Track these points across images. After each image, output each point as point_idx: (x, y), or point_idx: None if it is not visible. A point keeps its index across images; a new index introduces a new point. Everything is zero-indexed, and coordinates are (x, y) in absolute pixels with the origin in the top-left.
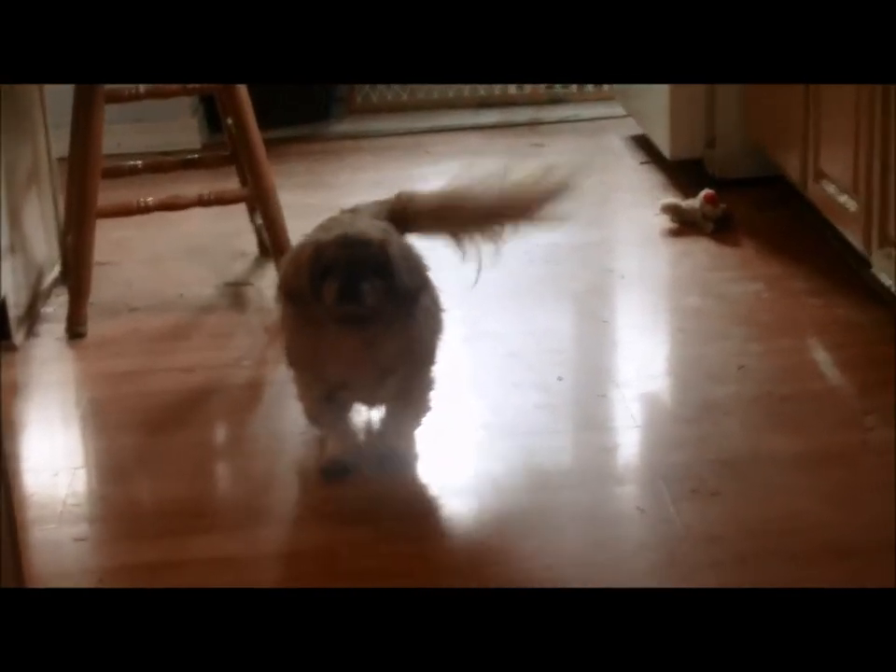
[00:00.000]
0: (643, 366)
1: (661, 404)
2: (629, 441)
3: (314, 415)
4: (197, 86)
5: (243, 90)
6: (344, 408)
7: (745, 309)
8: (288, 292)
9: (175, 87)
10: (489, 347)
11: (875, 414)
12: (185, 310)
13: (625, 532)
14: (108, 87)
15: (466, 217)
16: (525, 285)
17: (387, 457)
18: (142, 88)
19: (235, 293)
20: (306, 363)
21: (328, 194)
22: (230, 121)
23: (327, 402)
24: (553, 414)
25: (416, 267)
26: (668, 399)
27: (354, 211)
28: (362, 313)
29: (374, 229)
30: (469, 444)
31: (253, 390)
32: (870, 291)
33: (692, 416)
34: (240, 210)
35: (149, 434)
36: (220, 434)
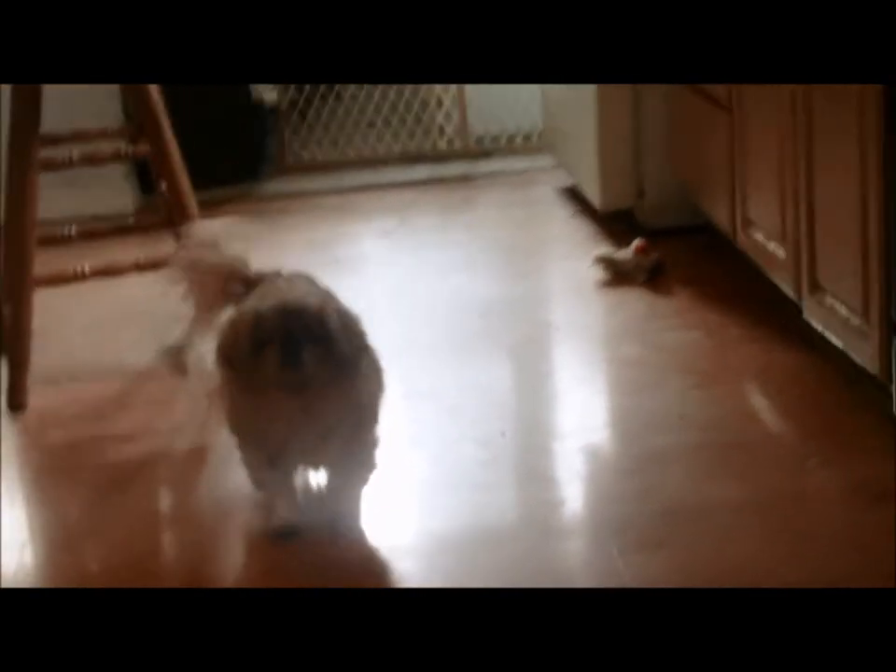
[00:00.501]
0: (584, 418)
1: (604, 456)
2: (573, 494)
3: (258, 479)
4: (131, 151)
5: (176, 153)
6: (289, 471)
7: (682, 357)
8: (228, 359)
9: (108, 152)
10: (429, 404)
11: (816, 457)
12: (125, 377)
13: (573, 586)
14: (43, 154)
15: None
16: (461, 339)
17: (334, 518)
18: (76, 154)
19: (174, 358)
20: (248, 428)
21: (261, 254)
22: (164, 185)
23: (271, 466)
24: (496, 469)
25: (354, 332)
26: (611, 451)
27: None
28: (302, 378)
29: (312, 295)
30: (413, 502)
31: (197, 455)
32: (804, 336)
33: (635, 467)
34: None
35: (95, 503)
36: (166, 500)
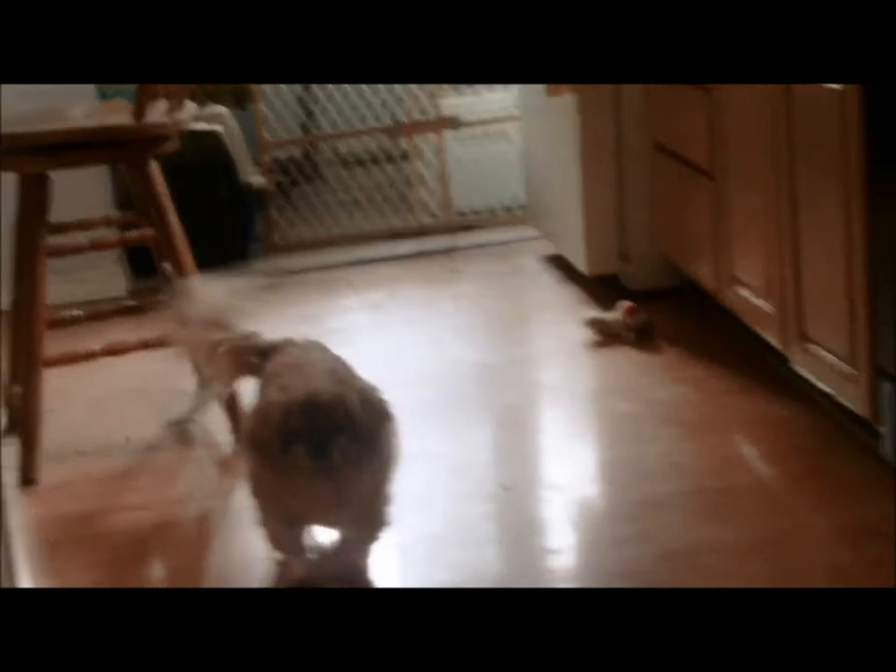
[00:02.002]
0: (581, 469)
1: (602, 504)
2: (576, 541)
3: (276, 541)
4: (136, 236)
5: (181, 233)
6: (304, 531)
7: (672, 411)
8: (256, 446)
9: (114, 239)
10: (432, 463)
11: (807, 501)
12: (132, 451)
13: None
14: (51, 241)
15: None
16: (459, 402)
17: (346, 571)
18: (84, 240)
19: (180, 431)
20: (271, 499)
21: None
22: (166, 265)
23: (288, 526)
24: (500, 523)
25: (376, 410)
26: (609, 499)
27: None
28: (330, 467)
29: (332, 382)
30: (420, 556)
31: (208, 522)
32: (788, 386)
33: (632, 514)
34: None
35: (108, 574)
36: (180, 568)
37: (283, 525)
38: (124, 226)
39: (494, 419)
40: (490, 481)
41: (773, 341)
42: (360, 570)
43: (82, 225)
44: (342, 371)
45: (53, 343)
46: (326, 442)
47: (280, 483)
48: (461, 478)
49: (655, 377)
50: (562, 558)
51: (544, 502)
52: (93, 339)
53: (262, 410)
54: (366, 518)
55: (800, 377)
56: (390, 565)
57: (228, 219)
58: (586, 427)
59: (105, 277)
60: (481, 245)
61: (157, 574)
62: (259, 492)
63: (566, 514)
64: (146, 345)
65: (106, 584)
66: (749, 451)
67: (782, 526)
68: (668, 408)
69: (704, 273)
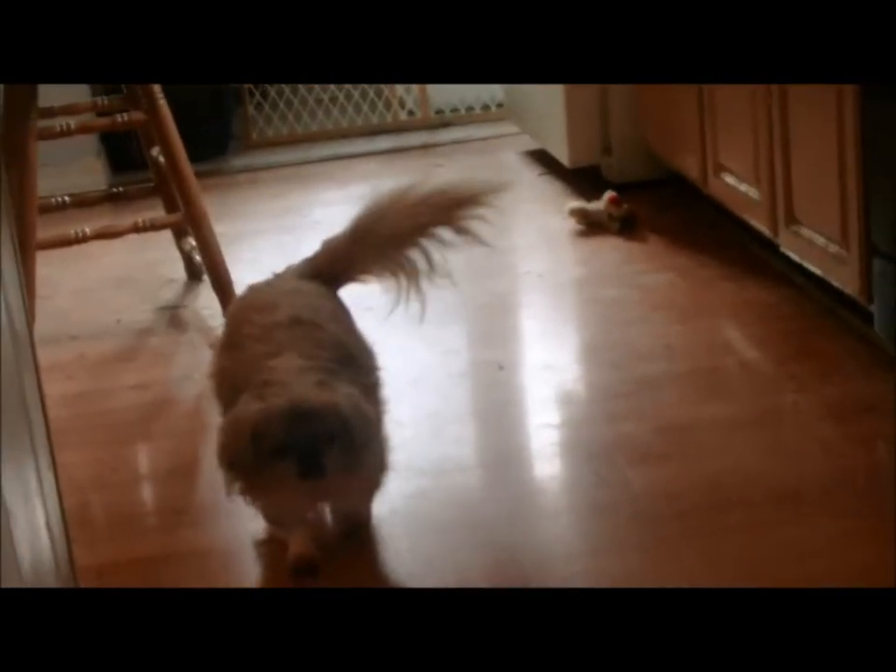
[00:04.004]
0: (573, 352)
1: (599, 383)
2: (575, 416)
3: (272, 520)
4: (126, 120)
5: (170, 118)
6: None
7: (660, 296)
8: (230, 467)
9: (103, 122)
10: (426, 350)
11: (796, 380)
12: (125, 334)
13: (588, 497)
14: (41, 124)
15: (394, 229)
16: (445, 290)
17: (350, 532)
18: (73, 124)
19: (172, 316)
20: (258, 504)
21: (237, 222)
22: (155, 152)
23: (279, 525)
24: (497, 400)
25: (368, 417)
26: (602, 379)
27: (279, 276)
28: (322, 481)
29: (315, 386)
30: (424, 432)
31: (208, 400)
32: (775, 273)
33: (626, 392)
34: (160, 240)
35: (108, 453)
36: (186, 441)
37: (272, 523)
38: (110, 112)
39: (483, 305)
40: (484, 362)
41: (761, 226)
42: (364, 523)
43: (70, 110)
44: (333, 382)
45: (42, 230)
46: (316, 457)
47: (264, 493)
48: (456, 360)
49: (641, 265)
50: (560, 432)
51: (539, 381)
52: (82, 226)
53: (234, 421)
54: (360, 505)
55: (786, 264)
56: (397, 441)
57: (206, 116)
58: (575, 312)
59: (85, 172)
60: (460, 141)
61: (157, 453)
62: (245, 496)
63: (561, 392)
64: (138, 229)
65: (107, 462)
66: (737, 334)
67: (772, 405)
68: (656, 294)
69: (688, 162)
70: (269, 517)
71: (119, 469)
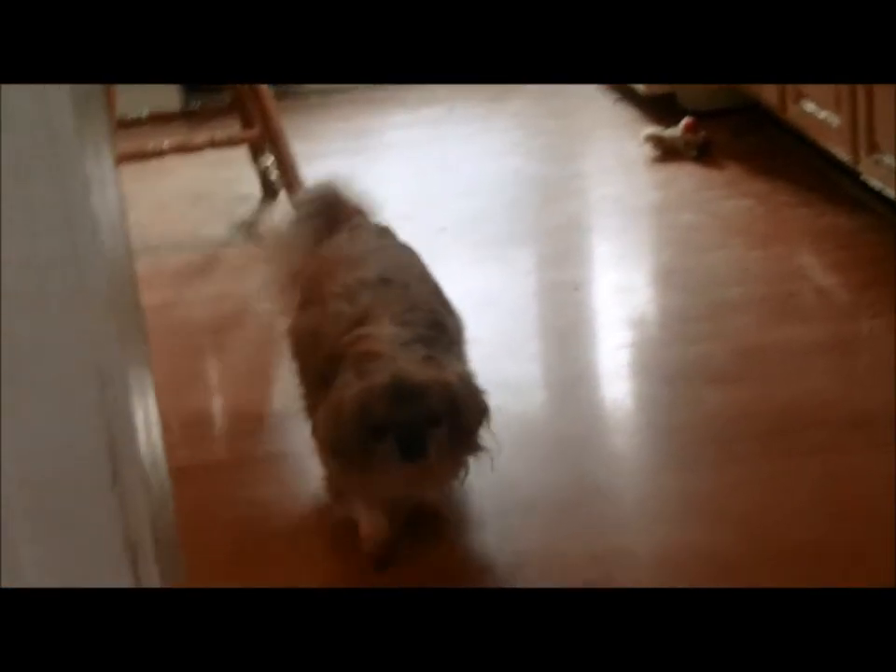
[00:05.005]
0: (649, 275)
1: (675, 306)
2: (647, 337)
3: (336, 498)
4: None
5: None
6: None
7: (738, 222)
8: (332, 451)
9: None
10: (500, 267)
11: (873, 307)
12: (202, 248)
13: (662, 416)
14: None
15: None
16: (520, 211)
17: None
18: None
19: (248, 231)
20: (356, 484)
21: (310, 143)
22: None
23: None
24: (573, 319)
25: (480, 399)
26: (681, 302)
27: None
28: (425, 464)
29: (422, 361)
30: (500, 350)
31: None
32: (854, 200)
33: (703, 314)
34: (236, 158)
35: (192, 355)
36: (260, 351)
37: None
38: None
39: (558, 227)
40: (560, 282)
41: (841, 153)
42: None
43: None
44: (447, 361)
45: (119, 146)
46: (421, 438)
47: (358, 477)
48: (531, 280)
49: (718, 191)
50: (635, 353)
51: (615, 302)
52: (159, 142)
53: (337, 401)
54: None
55: (865, 191)
56: (475, 359)
57: None
58: (651, 237)
59: (161, 90)
60: None
61: (231, 362)
62: (331, 477)
63: (637, 314)
64: (214, 144)
65: (183, 370)
66: (814, 260)
67: (848, 330)
68: (734, 220)
69: (767, 90)
70: (362, 497)
71: (195, 377)
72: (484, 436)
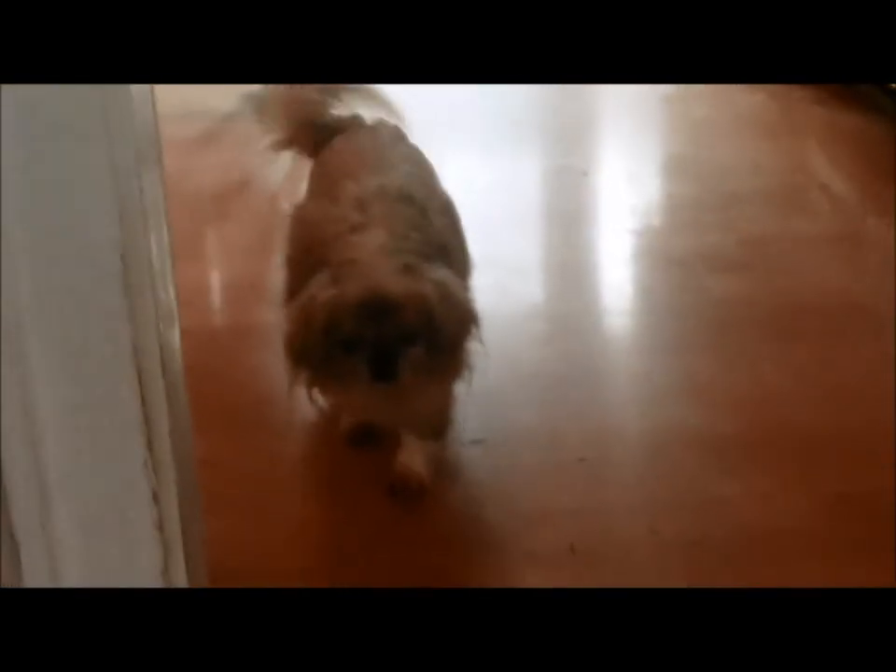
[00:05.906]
0: (659, 164)
1: (684, 195)
2: (656, 225)
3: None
4: None
5: None
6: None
7: (749, 115)
8: (296, 358)
9: None
10: (518, 151)
11: (878, 203)
12: (210, 118)
13: (665, 300)
14: None
15: None
16: (536, 101)
17: (402, 478)
18: None
19: (257, 102)
20: (327, 399)
21: None
22: None
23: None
24: (582, 203)
25: (463, 312)
26: (689, 190)
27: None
28: (397, 385)
29: (400, 271)
30: (505, 230)
31: (292, 182)
32: (867, 100)
33: (713, 203)
34: None
35: (196, 223)
36: (264, 221)
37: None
38: None
39: (568, 114)
40: (568, 167)
41: None
42: (416, 477)
43: None
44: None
45: None
46: (393, 355)
47: (328, 391)
48: (539, 164)
49: (731, 85)
50: (641, 238)
51: (623, 189)
52: None
53: (304, 307)
54: (429, 423)
55: (880, 90)
56: (476, 237)
57: None
58: (663, 127)
59: None
60: None
61: (236, 231)
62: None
63: (645, 201)
64: None
65: (187, 237)
66: (824, 156)
67: (853, 224)
68: (746, 113)
69: None
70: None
71: (198, 245)
72: (470, 353)
